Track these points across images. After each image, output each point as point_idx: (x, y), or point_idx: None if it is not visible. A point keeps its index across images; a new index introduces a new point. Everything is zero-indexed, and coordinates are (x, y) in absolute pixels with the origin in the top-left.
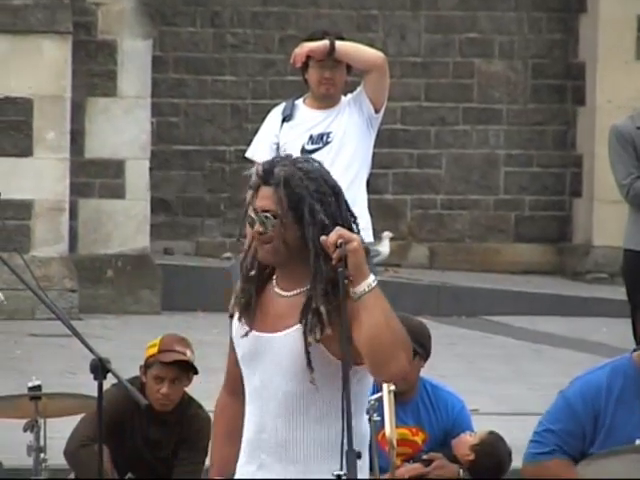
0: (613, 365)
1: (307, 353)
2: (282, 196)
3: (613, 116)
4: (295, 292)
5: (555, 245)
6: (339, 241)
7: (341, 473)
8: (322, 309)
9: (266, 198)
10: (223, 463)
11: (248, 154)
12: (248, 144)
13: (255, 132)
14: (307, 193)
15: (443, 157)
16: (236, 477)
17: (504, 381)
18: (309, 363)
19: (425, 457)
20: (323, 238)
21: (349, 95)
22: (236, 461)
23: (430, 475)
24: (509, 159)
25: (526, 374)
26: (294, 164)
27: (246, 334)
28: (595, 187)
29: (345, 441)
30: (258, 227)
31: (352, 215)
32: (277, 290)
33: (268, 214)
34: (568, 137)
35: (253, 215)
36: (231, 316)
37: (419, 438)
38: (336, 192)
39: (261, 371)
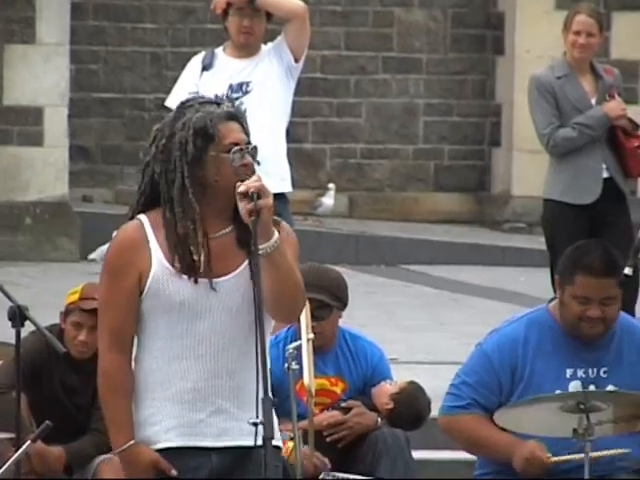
0: (530, 317)
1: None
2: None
3: (532, 66)
4: (222, 232)
5: (474, 195)
6: (251, 191)
7: (257, 421)
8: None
9: (240, 132)
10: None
11: (168, 103)
12: (167, 92)
13: (175, 80)
14: None
15: (363, 106)
16: (175, 427)
17: (423, 330)
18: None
19: (344, 405)
20: (239, 184)
21: (269, 44)
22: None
23: (348, 423)
24: (429, 108)
25: (444, 323)
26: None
27: (191, 282)
28: (514, 137)
29: (260, 387)
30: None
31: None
32: (210, 235)
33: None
34: (487, 87)
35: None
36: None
37: (338, 388)
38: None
39: (209, 318)
